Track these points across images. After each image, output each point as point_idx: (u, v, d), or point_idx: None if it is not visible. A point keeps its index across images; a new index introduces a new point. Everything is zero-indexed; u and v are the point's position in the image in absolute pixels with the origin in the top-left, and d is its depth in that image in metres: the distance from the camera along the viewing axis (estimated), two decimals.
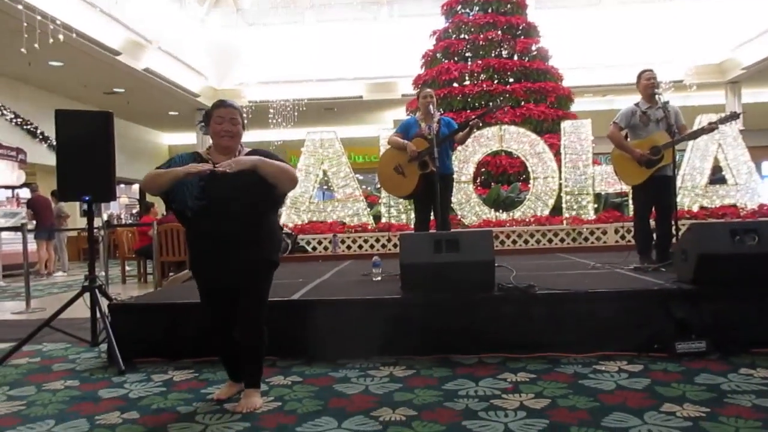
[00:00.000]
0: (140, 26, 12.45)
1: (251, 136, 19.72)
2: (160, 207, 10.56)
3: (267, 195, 2.78)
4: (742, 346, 3.48)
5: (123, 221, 19.02)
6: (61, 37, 9.48)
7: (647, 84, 5.03)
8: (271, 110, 15.33)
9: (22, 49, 9.35)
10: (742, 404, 2.60)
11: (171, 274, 8.44)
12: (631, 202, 5.52)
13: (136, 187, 21.20)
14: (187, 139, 20.09)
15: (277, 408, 2.80)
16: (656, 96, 4.99)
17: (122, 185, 19.90)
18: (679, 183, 7.87)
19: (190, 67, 15.37)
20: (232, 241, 2.73)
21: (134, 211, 21.04)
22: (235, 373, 3.02)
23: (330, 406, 2.79)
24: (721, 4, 12.46)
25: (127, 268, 9.65)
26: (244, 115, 2.94)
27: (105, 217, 16.93)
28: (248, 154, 2.86)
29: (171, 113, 17.99)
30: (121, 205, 20.74)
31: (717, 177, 8.72)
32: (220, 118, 2.81)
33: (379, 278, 4.81)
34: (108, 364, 3.74)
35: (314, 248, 8.11)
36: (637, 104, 5.09)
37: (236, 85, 16.70)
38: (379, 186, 5.92)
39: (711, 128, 4.85)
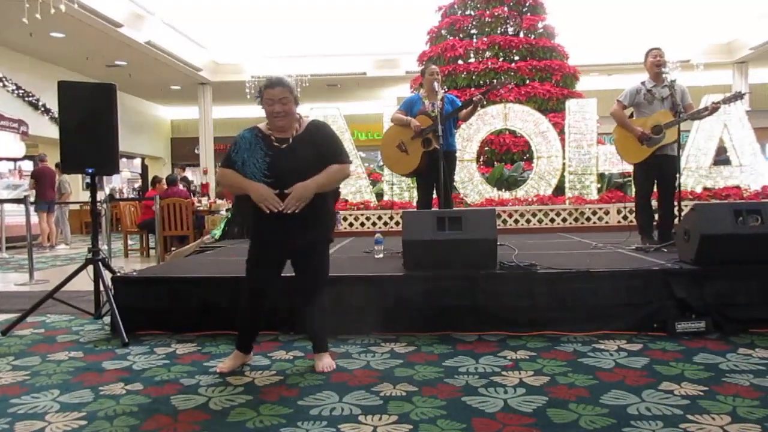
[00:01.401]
0: None
1: (253, 111, 19.71)
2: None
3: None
4: (741, 326, 3.50)
5: (125, 195, 19.04)
6: (62, 7, 9.39)
7: (653, 62, 4.99)
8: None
9: (24, 19, 9.28)
10: (740, 383, 2.62)
11: (173, 248, 8.48)
12: (633, 181, 5.51)
13: (137, 161, 21.20)
14: (190, 113, 20.05)
15: (279, 381, 2.83)
16: (663, 74, 4.95)
17: (124, 159, 19.89)
18: (683, 163, 7.84)
19: (193, 41, 15.25)
20: (296, 218, 2.84)
21: (136, 185, 21.06)
22: (247, 344, 3.10)
23: (331, 380, 2.82)
24: None
25: (129, 242, 9.69)
26: (294, 90, 2.94)
27: (107, 190, 16.96)
28: (307, 127, 2.96)
29: (173, 87, 17.91)
30: (123, 179, 20.76)
31: (721, 158, 8.68)
32: (270, 100, 2.87)
33: (381, 255, 4.82)
34: (111, 336, 3.78)
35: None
36: (643, 83, 5.06)
37: (239, 59, 16.58)
38: (382, 163, 5.91)
39: (714, 108, 4.82)
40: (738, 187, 8.20)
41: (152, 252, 8.99)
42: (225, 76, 17.17)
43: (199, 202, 10.23)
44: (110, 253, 6.38)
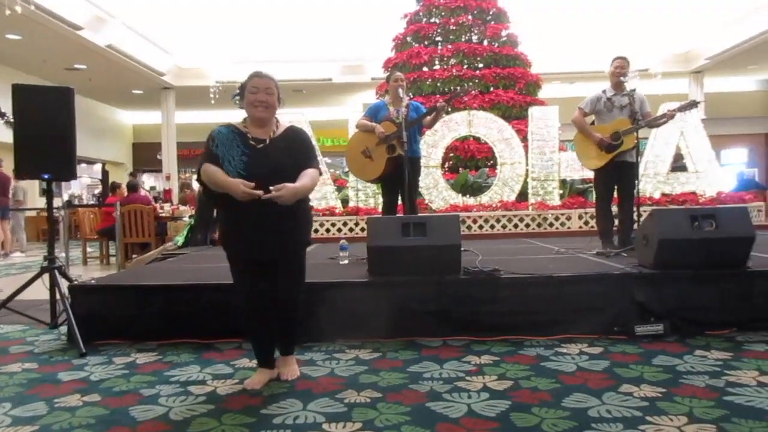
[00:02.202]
0: (104, 0, 12.07)
1: (218, 116, 19.47)
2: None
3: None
4: (698, 329, 3.59)
5: (85, 202, 18.58)
6: (18, 8, 9.14)
7: (615, 71, 5.11)
8: (238, 90, 15.06)
9: None
10: (696, 384, 2.69)
11: (134, 255, 8.30)
12: (593, 187, 5.62)
13: (98, 167, 20.72)
14: (152, 118, 19.70)
15: (243, 390, 2.78)
16: (623, 83, 5.07)
17: (84, 165, 19.42)
18: (642, 170, 8.03)
19: (156, 45, 15.00)
20: (273, 218, 2.74)
21: (96, 192, 20.59)
22: (267, 358, 2.95)
23: (296, 388, 2.80)
24: None
25: (89, 249, 9.45)
26: (278, 87, 2.89)
27: (66, 196, 16.53)
28: (286, 131, 2.90)
29: (135, 91, 17.57)
30: (82, 185, 20.27)
31: (678, 164, 8.92)
32: (255, 88, 2.80)
33: (346, 261, 4.81)
34: (68, 346, 3.67)
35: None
36: (603, 91, 5.17)
37: (203, 63, 16.38)
38: (347, 169, 5.89)
39: (671, 116, 4.96)
40: (694, 193, 8.43)
41: (113, 259, 8.78)
42: (188, 81, 16.93)
43: (161, 208, 10.05)
44: (68, 260, 6.21)
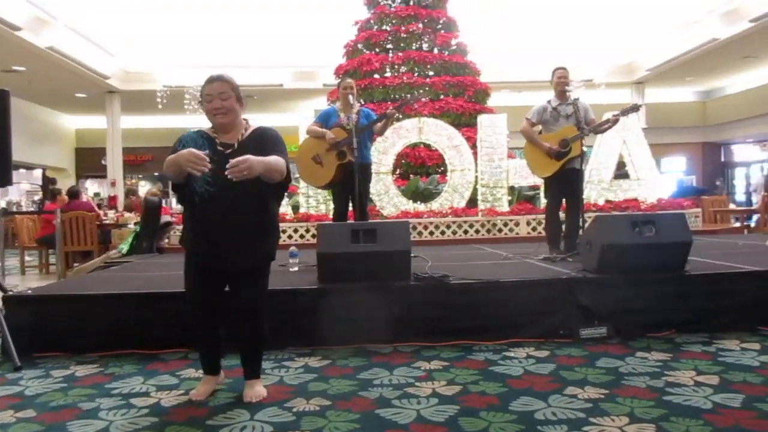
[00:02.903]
0: (45, 1, 11.66)
1: (165, 121, 19.07)
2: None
3: (270, 185, 2.68)
4: (639, 331, 3.70)
5: (24, 209, 17.85)
6: None
7: (558, 81, 5.24)
8: (187, 95, 14.80)
9: None
10: (637, 385, 2.77)
11: (76, 264, 8.03)
12: (543, 194, 5.75)
13: (38, 172, 19.96)
14: (97, 122, 19.11)
15: (188, 401, 2.72)
16: (567, 93, 5.20)
17: (23, 170, 18.68)
18: (586, 177, 8.24)
19: (100, 47, 14.58)
20: (238, 228, 2.64)
21: (36, 198, 19.82)
22: (213, 366, 2.86)
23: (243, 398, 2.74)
24: (629, 8, 13.13)
25: (27, 258, 9.09)
26: (237, 88, 2.74)
27: (2, 203, 15.86)
28: (253, 132, 2.76)
29: (78, 95, 17.02)
30: (21, 192, 19.48)
31: (621, 172, 9.21)
32: (209, 96, 2.68)
33: (296, 269, 4.76)
34: (2, 360, 3.50)
35: None
36: (549, 101, 5.30)
37: (150, 67, 16.01)
38: (297, 175, 5.85)
39: (615, 120, 5.13)
40: (636, 200, 8.71)
41: (53, 269, 8.46)
42: (135, 85, 16.52)
43: (105, 215, 9.76)
44: (3, 270, 5.95)
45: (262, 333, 2.80)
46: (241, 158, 2.45)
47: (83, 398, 2.79)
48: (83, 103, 18.02)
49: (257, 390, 2.75)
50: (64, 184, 17.64)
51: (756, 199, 15.05)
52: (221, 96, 2.67)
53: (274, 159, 2.61)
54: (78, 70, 14.04)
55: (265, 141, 2.72)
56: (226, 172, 2.44)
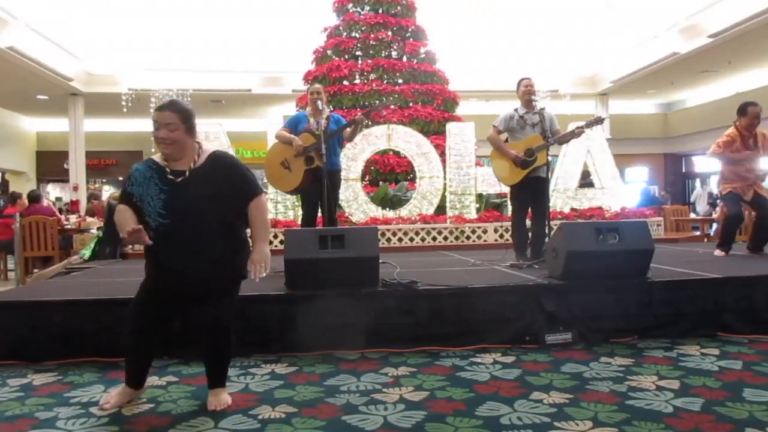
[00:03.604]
0: (5, 0, 11.36)
1: (130, 125, 18.72)
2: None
3: (233, 207, 2.67)
4: (603, 337, 3.76)
5: None
6: None
7: (525, 91, 5.32)
8: (153, 99, 14.57)
9: None
10: (601, 390, 2.81)
11: (36, 270, 7.81)
12: (509, 202, 5.81)
13: None
14: (59, 125, 18.67)
15: (150, 410, 2.66)
16: (533, 102, 5.28)
17: None
18: (552, 186, 8.37)
19: (63, 49, 14.25)
20: (204, 255, 2.59)
21: None
22: (138, 378, 2.78)
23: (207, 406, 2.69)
24: (593, 22, 13.45)
25: None
26: (191, 117, 2.68)
27: None
28: (208, 159, 2.68)
29: (40, 97, 16.61)
30: None
31: (586, 181, 9.38)
32: (156, 124, 2.60)
33: (263, 274, 4.70)
34: None
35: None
36: (515, 109, 5.37)
37: (115, 70, 15.73)
38: (266, 181, 5.80)
39: (579, 132, 5.22)
40: (601, 208, 8.87)
41: (11, 275, 8.22)
42: (99, 88, 16.18)
43: (67, 220, 9.52)
44: None
45: (230, 346, 2.78)
46: (257, 261, 2.71)
47: (40, 408, 2.71)
48: (45, 106, 17.59)
49: (222, 398, 2.70)
50: (24, 188, 17.19)
51: (700, 208, 15.56)
52: (168, 127, 2.59)
53: (264, 219, 2.75)
54: (39, 71, 13.70)
55: (224, 174, 2.67)
56: (254, 278, 2.60)
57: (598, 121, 5.38)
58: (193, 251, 2.57)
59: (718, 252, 5.67)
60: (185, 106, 2.70)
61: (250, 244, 2.82)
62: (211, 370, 2.76)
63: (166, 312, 2.73)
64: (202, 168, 2.66)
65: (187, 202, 2.57)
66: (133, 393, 2.77)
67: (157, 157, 2.72)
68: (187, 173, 2.63)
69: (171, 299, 2.68)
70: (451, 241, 8.16)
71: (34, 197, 9.03)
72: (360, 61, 11.03)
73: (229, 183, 2.66)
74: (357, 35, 11.25)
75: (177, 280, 2.62)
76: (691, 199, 14.91)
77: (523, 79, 5.39)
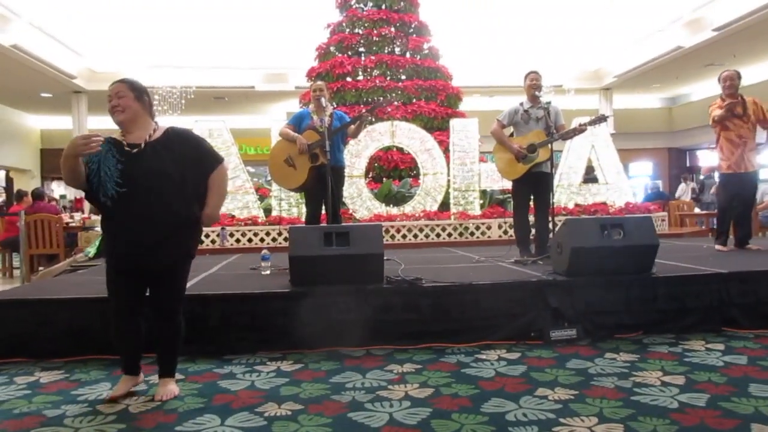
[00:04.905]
0: None
1: None
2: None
3: (193, 179, 2.79)
4: (608, 332, 3.76)
5: None
6: None
7: (530, 85, 5.30)
8: (157, 96, 14.59)
9: None
10: (606, 386, 2.81)
11: (41, 268, 7.85)
12: (511, 197, 5.80)
13: (1, 173, 19.45)
14: (63, 123, 18.72)
15: (156, 407, 2.67)
16: (539, 97, 5.27)
17: None
18: (556, 181, 8.36)
19: (66, 46, 14.26)
20: (157, 225, 2.70)
21: (0, 200, 19.31)
22: (133, 366, 2.90)
23: (213, 403, 2.71)
24: (597, 16, 13.38)
25: None
26: (142, 91, 2.85)
27: None
28: (165, 133, 2.84)
29: (44, 95, 16.64)
30: None
31: (590, 176, 9.37)
32: (109, 97, 2.79)
33: (268, 272, 4.73)
34: None
35: (201, 241, 7.82)
36: (521, 103, 5.35)
37: (118, 67, 15.73)
38: (270, 178, 5.80)
39: (581, 129, 5.21)
40: (605, 203, 8.87)
41: (17, 272, 8.25)
42: (102, 85, 16.06)
43: (71, 217, 9.55)
44: None
45: (180, 331, 2.89)
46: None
47: (48, 405, 2.73)
48: (49, 103, 17.63)
49: (170, 388, 2.82)
50: (29, 185, 17.25)
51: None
52: (117, 95, 2.77)
53: (215, 190, 2.84)
54: (43, 69, 13.72)
55: (181, 147, 2.81)
56: None
57: (602, 119, 5.37)
58: (148, 219, 2.69)
59: (718, 246, 5.68)
60: (135, 81, 2.87)
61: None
62: (162, 358, 2.89)
63: (135, 292, 2.81)
64: (159, 140, 2.81)
65: (143, 172, 2.70)
66: (132, 380, 2.88)
67: (116, 134, 2.84)
68: (143, 145, 2.76)
69: (132, 277, 2.77)
70: (455, 238, 8.17)
71: (38, 195, 9.06)
72: (363, 58, 11.02)
73: (188, 155, 2.81)
74: (360, 31, 11.23)
75: (133, 251, 2.71)
76: (677, 195, 14.92)
77: (530, 73, 5.37)
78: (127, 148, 2.74)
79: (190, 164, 2.79)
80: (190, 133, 2.96)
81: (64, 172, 2.68)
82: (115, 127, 2.84)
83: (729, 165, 5.58)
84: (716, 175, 6.29)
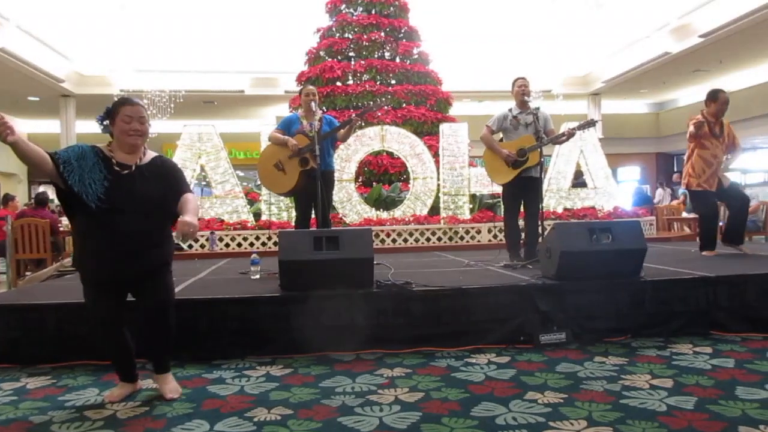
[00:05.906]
0: None
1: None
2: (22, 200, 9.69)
3: (170, 202, 2.83)
4: (597, 336, 3.78)
5: None
6: None
7: (519, 91, 5.34)
8: (146, 100, 14.52)
9: None
10: (595, 389, 2.83)
11: (28, 273, 7.77)
12: (501, 201, 5.83)
13: None
14: (50, 126, 18.57)
15: (145, 413, 2.65)
16: (527, 102, 5.30)
17: None
18: (545, 186, 8.40)
19: (54, 50, 14.18)
20: (136, 243, 2.73)
21: None
22: (128, 373, 2.92)
23: (202, 408, 2.70)
24: (585, 21, 13.48)
25: None
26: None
27: None
28: (153, 160, 2.88)
29: (31, 98, 16.52)
30: None
31: (579, 181, 9.42)
32: (129, 117, 2.77)
33: (258, 276, 4.71)
34: None
35: (190, 246, 7.79)
36: (510, 109, 5.38)
37: (107, 71, 15.66)
38: (259, 182, 5.79)
39: (570, 134, 5.24)
40: (593, 208, 8.92)
41: (3, 277, 8.17)
42: (90, 89, 16.09)
43: (60, 222, 9.47)
44: None
45: (172, 329, 2.92)
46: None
47: (35, 411, 2.70)
48: (36, 107, 17.50)
49: (174, 385, 2.89)
50: (16, 190, 17.11)
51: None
52: (140, 120, 2.80)
53: (192, 205, 2.83)
54: (30, 72, 13.62)
55: (167, 175, 2.89)
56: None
57: (591, 123, 5.41)
58: (129, 237, 2.71)
59: (705, 253, 5.70)
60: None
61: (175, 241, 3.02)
62: (159, 355, 2.92)
63: (116, 301, 2.83)
64: (148, 166, 2.85)
65: (130, 194, 2.73)
66: (131, 387, 2.90)
67: (102, 146, 2.83)
68: (133, 168, 2.80)
69: (112, 286, 2.78)
70: (445, 242, 8.18)
71: (42, 200, 9.03)
72: (353, 62, 11.04)
73: (171, 183, 2.88)
74: (350, 36, 11.25)
75: (113, 267, 2.72)
76: (655, 200, 15.07)
77: (517, 79, 5.41)
78: (116, 168, 2.75)
79: (170, 190, 2.85)
80: (173, 163, 3.05)
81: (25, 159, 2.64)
82: (100, 132, 2.84)
83: (699, 183, 5.61)
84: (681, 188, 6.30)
